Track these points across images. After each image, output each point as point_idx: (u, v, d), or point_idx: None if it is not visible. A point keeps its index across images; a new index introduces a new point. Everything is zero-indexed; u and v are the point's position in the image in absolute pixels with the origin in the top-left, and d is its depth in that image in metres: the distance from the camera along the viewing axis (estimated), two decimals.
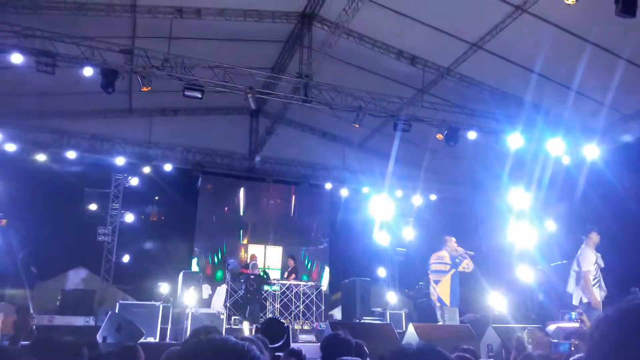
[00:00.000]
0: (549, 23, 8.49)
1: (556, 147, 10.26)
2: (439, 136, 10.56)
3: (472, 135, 10.62)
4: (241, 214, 15.08)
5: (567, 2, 6.99)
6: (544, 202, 11.64)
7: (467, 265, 8.62)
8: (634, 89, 9.38)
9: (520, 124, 10.36)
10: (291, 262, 13.16)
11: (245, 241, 14.86)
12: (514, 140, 10.32)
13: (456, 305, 8.53)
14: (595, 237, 7.24)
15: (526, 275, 11.41)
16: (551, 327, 7.70)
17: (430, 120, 10.52)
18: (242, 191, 15.34)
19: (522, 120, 10.41)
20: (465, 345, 4.53)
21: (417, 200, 15.06)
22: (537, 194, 11.52)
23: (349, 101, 10.14)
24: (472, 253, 8.78)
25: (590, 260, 7.10)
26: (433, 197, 15.39)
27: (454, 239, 8.83)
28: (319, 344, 3.73)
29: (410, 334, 7.29)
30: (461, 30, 9.46)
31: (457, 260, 8.61)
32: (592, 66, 8.68)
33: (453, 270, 8.56)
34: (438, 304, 8.60)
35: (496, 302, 11.81)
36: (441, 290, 8.55)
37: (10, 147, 11.98)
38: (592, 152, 10.27)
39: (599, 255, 7.24)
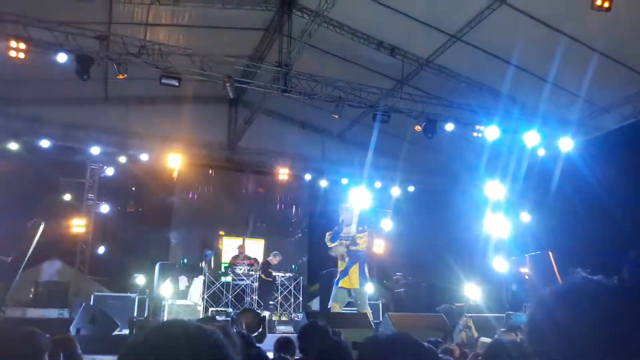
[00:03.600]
0: (527, 15, 8.56)
1: (532, 139, 10.39)
2: (417, 128, 10.59)
3: (449, 127, 10.67)
4: (219, 205, 14.95)
5: None
6: (519, 194, 11.81)
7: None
8: (607, 82, 9.53)
9: (497, 115, 10.46)
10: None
11: (222, 232, 14.74)
12: (491, 132, 10.41)
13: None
14: None
15: (501, 266, 11.58)
16: None
17: (408, 112, 10.56)
18: (220, 182, 15.21)
19: (499, 112, 10.51)
20: (433, 338, 4.66)
21: (396, 191, 15.13)
22: (512, 185, 11.67)
23: (329, 91, 10.09)
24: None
25: None
26: (411, 188, 15.48)
27: (344, 205, 8.65)
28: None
29: (386, 323, 7.35)
30: (441, 21, 9.48)
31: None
32: (568, 59, 8.79)
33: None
34: None
35: (472, 293, 11.98)
36: None
37: None
38: (567, 144, 10.43)
39: None
